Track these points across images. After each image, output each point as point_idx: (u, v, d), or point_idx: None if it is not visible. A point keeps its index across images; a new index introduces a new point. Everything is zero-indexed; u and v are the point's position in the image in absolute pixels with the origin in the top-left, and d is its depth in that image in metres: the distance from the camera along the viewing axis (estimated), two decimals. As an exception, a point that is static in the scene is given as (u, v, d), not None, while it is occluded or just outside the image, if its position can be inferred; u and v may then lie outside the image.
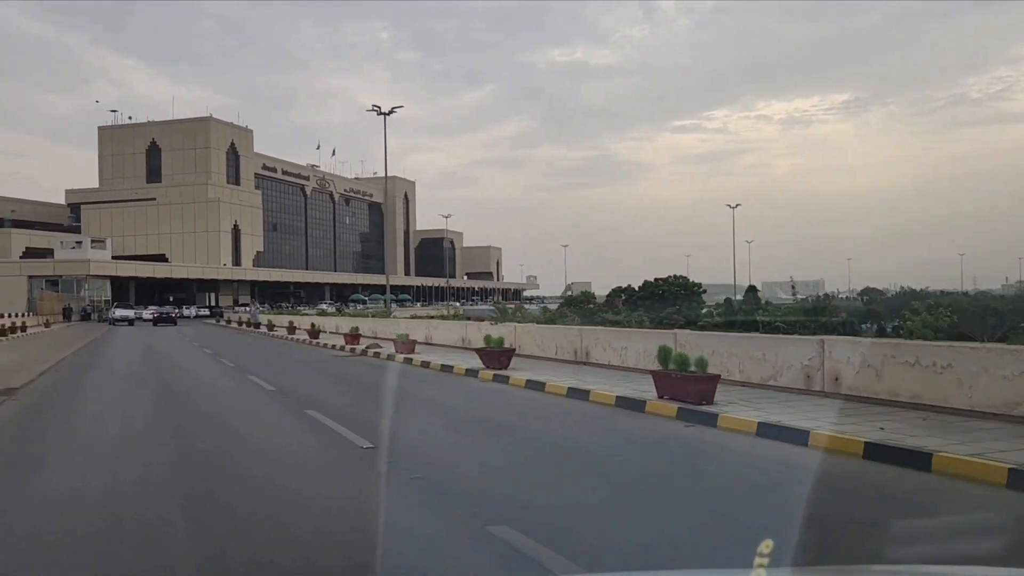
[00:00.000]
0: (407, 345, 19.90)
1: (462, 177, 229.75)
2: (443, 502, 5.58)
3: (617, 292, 76.80)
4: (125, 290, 76.59)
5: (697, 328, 14.29)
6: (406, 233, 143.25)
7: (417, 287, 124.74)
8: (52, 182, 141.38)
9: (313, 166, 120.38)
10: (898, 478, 6.27)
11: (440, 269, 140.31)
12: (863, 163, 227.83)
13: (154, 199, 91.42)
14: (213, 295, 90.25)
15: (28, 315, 50.77)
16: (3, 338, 30.84)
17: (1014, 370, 7.78)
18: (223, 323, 58.86)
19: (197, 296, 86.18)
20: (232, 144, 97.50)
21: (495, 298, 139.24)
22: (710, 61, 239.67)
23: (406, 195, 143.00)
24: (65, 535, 4.87)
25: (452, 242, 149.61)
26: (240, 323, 50.57)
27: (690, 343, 12.39)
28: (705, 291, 76.65)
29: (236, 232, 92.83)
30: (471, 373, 14.95)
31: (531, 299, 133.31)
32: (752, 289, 64.60)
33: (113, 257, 74.52)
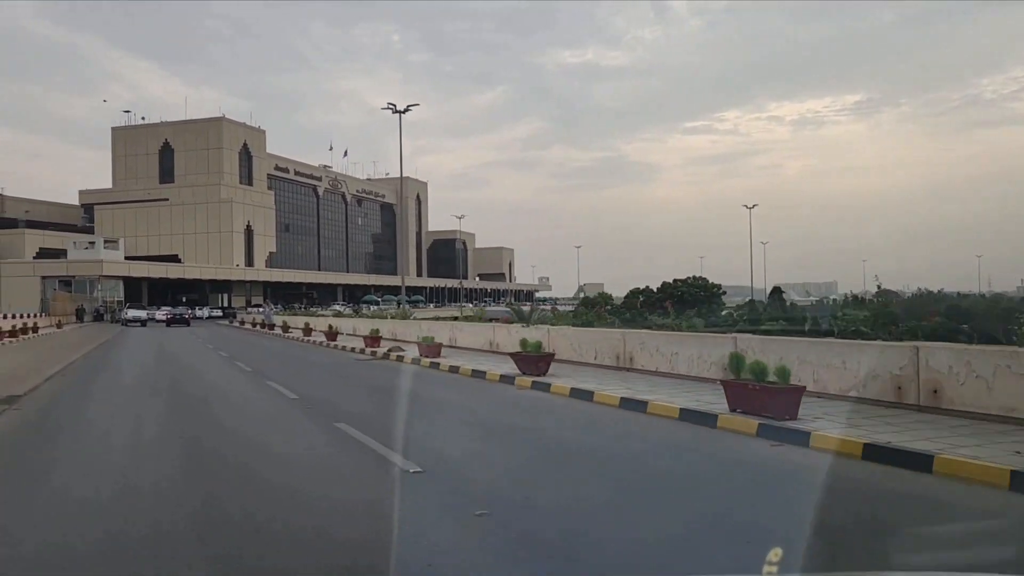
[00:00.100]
0: (432, 348, 18.86)
1: (473, 178, 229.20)
2: (525, 550, 4.51)
3: (635, 293, 75.52)
4: (138, 291, 76.14)
5: (761, 332, 13.14)
6: (418, 234, 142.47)
7: (430, 288, 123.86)
8: (66, 183, 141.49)
9: (325, 167, 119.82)
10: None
11: (451, 270, 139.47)
12: (875, 164, 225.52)
13: (167, 199, 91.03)
14: (226, 296, 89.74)
15: (40, 316, 50.19)
16: (13, 339, 30.07)
17: None
18: (236, 324, 58.12)
19: (210, 297, 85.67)
20: (245, 144, 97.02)
21: (507, 299, 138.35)
22: (721, 62, 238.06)
23: (418, 196, 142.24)
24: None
25: (464, 243, 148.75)
26: (254, 324, 49.76)
27: (753, 348, 11.27)
28: (725, 292, 75.41)
29: (249, 233, 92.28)
30: (506, 380, 13.89)
31: (543, 300, 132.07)
32: (777, 291, 63.22)
33: (126, 257, 74.06)
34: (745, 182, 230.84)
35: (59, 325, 48.01)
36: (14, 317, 38.86)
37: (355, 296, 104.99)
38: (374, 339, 23.85)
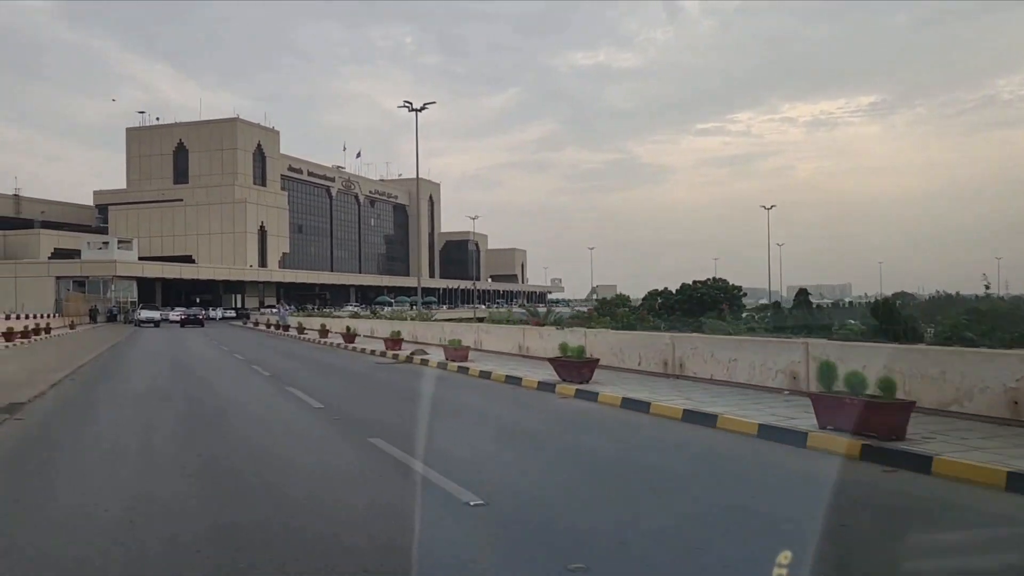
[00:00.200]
0: (460, 352, 17.81)
1: (485, 180, 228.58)
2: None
3: (654, 295, 74.31)
4: (151, 291, 75.68)
5: (837, 337, 11.99)
6: (430, 235, 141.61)
7: (443, 289, 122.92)
8: (83, 185, 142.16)
9: (338, 167, 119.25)
10: None
11: (463, 271, 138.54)
12: (889, 166, 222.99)
13: (181, 200, 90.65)
14: (239, 297, 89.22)
15: (54, 316, 49.64)
16: (25, 341, 29.34)
17: None
18: (250, 325, 57.38)
19: (223, 298, 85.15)
20: (259, 145, 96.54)
21: (520, 301, 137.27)
22: (734, 63, 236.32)
23: (431, 197, 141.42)
24: None
25: (477, 244, 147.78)
26: (268, 326, 48.94)
27: (829, 355, 10.12)
28: (746, 294, 74.03)
29: (262, 233, 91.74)
30: (545, 387, 12.81)
31: (556, 302, 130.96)
32: (803, 292, 61.66)
33: (140, 258, 73.58)
34: (757, 184, 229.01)
35: (72, 326, 47.41)
36: (27, 317, 38.21)
37: (367, 297, 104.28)
38: (395, 341, 22.84)
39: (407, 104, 48.07)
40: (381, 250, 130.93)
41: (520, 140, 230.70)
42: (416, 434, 8.53)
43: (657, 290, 76.26)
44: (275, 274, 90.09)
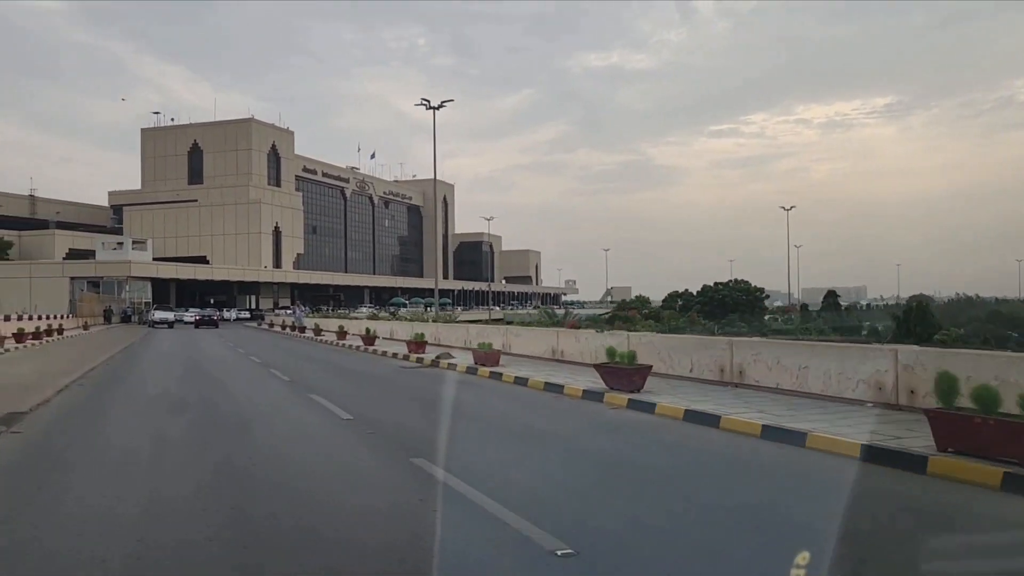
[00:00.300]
0: (491, 356, 16.74)
1: (498, 181, 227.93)
2: None
3: (674, 297, 72.85)
4: (166, 292, 75.23)
5: (936, 343, 10.80)
6: (444, 236, 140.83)
7: (457, 291, 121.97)
8: (98, 186, 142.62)
9: (353, 168, 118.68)
10: None
11: (477, 273, 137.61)
12: (905, 167, 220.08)
13: (195, 200, 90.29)
14: (253, 298, 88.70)
15: (67, 317, 49.08)
16: (36, 342, 28.58)
17: None
18: (265, 326, 56.65)
19: (237, 299, 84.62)
20: (273, 145, 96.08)
21: (534, 302, 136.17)
22: (748, 64, 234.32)
23: (444, 198, 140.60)
24: None
25: (491, 245, 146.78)
26: (283, 327, 48.12)
27: (923, 364, 8.98)
28: (768, 296, 72.50)
29: (277, 234, 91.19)
30: (592, 396, 11.71)
31: (571, 303, 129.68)
32: (832, 294, 60.20)
33: (154, 258, 73.09)
34: (772, 185, 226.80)
35: (86, 327, 46.82)
36: (39, 318, 37.55)
37: (381, 298, 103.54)
38: (418, 344, 21.83)
39: (424, 102, 47.15)
40: (395, 251, 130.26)
41: (533, 141, 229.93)
42: (463, 455, 7.47)
43: (677, 292, 75.03)
44: (289, 275, 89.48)
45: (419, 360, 19.91)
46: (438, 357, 19.26)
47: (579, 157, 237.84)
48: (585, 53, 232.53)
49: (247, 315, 76.75)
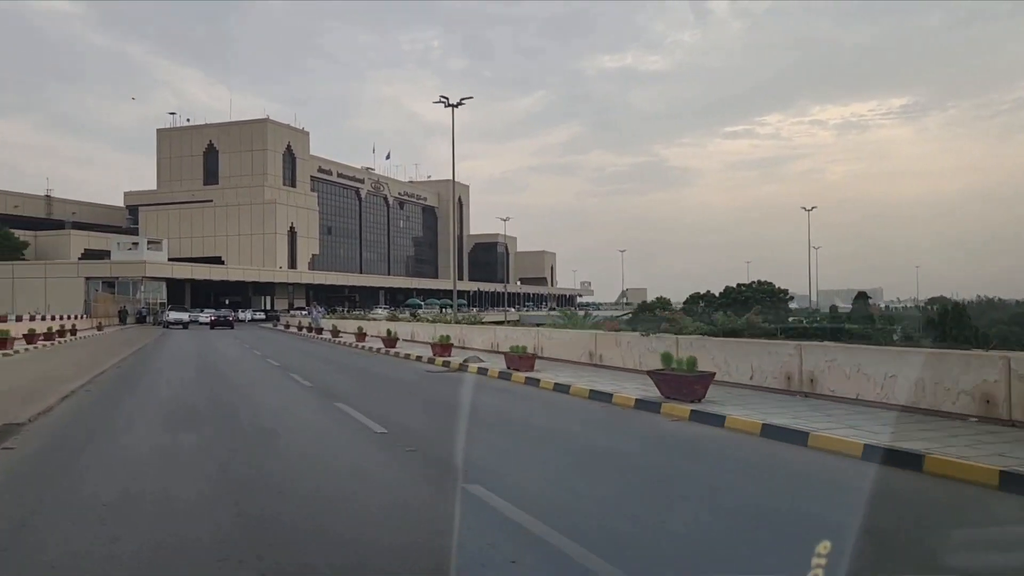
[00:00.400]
0: (525, 361, 15.64)
1: (512, 183, 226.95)
2: None
3: (696, 298, 71.51)
4: (181, 292, 74.79)
5: None
6: (459, 237, 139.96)
7: (472, 292, 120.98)
8: (114, 188, 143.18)
9: (368, 169, 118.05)
10: None
11: (491, 274, 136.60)
12: (922, 168, 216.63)
13: (211, 201, 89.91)
14: (268, 298, 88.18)
15: (82, 317, 48.50)
16: (47, 343, 27.81)
17: None
18: (280, 327, 55.90)
19: (252, 299, 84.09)
20: (288, 146, 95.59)
21: (550, 304, 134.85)
22: (763, 65, 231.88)
23: (460, 199, 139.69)
24: None
25: (506, 247, 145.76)
26: (300, 328, 47.27)
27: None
28: (792, 298, 70.87)
29: (292, 234, 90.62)
30: (646, 407, 10.57)
31: (586, 305, 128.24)
32: (863, 296, 58.43)
33: (169, 259, 72.62)
34: (787, 187, 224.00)
35: (99, 327, 46.19)
36: (52, 319, 36.87)
37: (396, 299, 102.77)
38: (444, 347, 20.77)
39: (444, 99, 46.19)
40: (409, 252, 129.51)
41: (546, 143, 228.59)
42: (523, 481, 6.38)
43: (699, 293, 73.57)
44: (304, 276, 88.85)
45: (445, 364, 18.83)
46: (466, 360, 18.18)
47: (592, 159, 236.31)
48: (599, 55, 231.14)
49: (262, 316, 76.11)
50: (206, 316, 56.69)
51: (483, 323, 27.54)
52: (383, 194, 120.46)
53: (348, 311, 71.36)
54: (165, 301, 67.96)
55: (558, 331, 19.13)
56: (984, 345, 12.63)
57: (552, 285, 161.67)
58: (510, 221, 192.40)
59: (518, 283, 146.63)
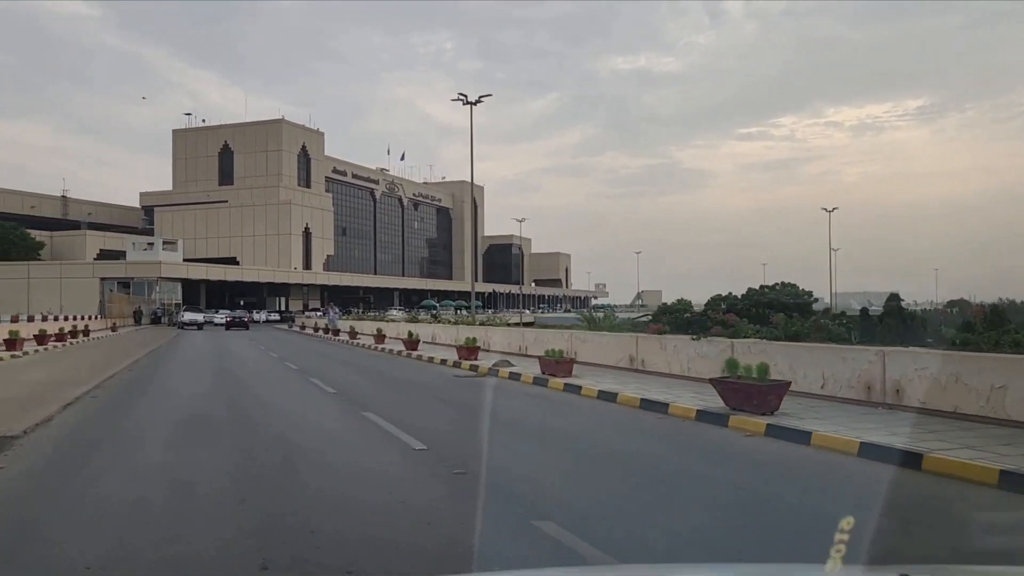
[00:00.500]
0: (563, 365, 14.53)
1: (525, 185, 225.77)
2: None
3: (717, 300, 69.99)
4: (196, 293, 74.28)
5: None
6: (473, 238, 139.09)
7: (486, 293, 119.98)
8: (130, 189, 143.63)
9: (383, 170, 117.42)
10: None
11: (506, 275, 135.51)
12: (939, 170, 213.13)
13: (226, 201, 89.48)
14: (283, 299, 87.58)
15: (96, 318, 47.92)
16: (58, 344, 27.03)
17: None
18: (296, 329, 55.12)
19: (267, 300, 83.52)
20: (303, 147, 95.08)
21: (565, 306, 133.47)
22: (777, 66, 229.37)
23: (474, 200, 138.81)
24: None
25: (521, 248, 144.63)
26: (316, 329, 46.41)
27: None
28: (817, 300, 69.27)
29: (307, 235, 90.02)
30: (710, 419, 9.44)
31: (601, 307, 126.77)
32: (895, 297, 57.01)
33: (184, 259, 72.15)
34: (801, 189, 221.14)
35: (114, 328, 45.56)
36: (65, 319, 36.18)
37: (411, 300, 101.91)
38: (470, 350, 19.70)
39: (462, 97, 45.23)
40: (424, 253, 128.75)
41: (560, 145, 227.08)
42: (605, 518, 5.27)
43: (721, 295, 72.23)
44: (319, 276, 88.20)
45: (473, 368, 17.75)
46: (495, 365, 17.11)
47: (606, 160, 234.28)
48: (612, 56, 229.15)
49: (277, 317, 75.50)
50: (221, 317, 56.01)
51: (508, 325, 26.42)
52: (398, 195, 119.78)
53: (363, 312, 70.51)
54: (180, 302, 67.40)
55: (593, 333, 17.99)
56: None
57: (567, 287, 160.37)
58: (524, 222, 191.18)
59: (532, 284, 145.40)
